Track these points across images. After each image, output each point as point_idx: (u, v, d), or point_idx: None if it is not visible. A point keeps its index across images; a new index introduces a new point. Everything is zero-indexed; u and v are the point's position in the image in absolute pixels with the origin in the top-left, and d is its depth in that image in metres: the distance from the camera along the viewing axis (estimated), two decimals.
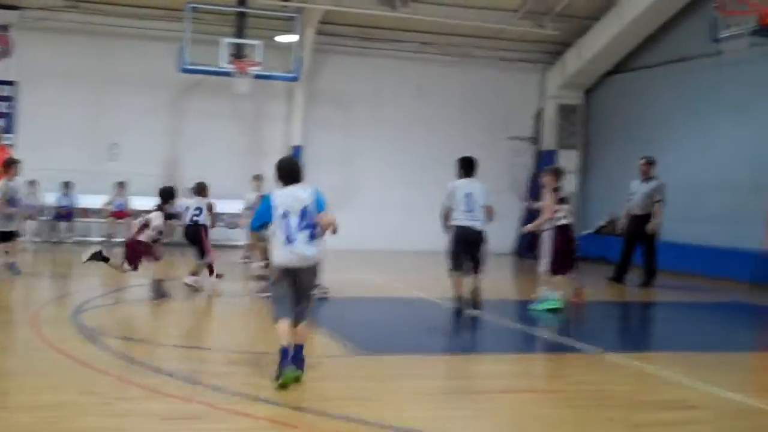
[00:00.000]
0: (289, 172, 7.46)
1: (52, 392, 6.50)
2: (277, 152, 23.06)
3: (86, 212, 21.70)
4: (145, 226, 12.29)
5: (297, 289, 7.18)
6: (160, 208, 12.67)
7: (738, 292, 16.37)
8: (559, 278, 12.24)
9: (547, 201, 12.18)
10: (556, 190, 12.26)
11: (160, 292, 12.20)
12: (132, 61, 21.74)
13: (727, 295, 15.83)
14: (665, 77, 21.51)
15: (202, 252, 13.35)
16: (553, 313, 11.90)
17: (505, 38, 23.95)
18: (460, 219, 11.60)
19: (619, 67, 23.32)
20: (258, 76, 19.53)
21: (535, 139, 24.83)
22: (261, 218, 7.36)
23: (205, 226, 13.62)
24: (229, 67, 19.14)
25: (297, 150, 22.75)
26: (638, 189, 16.37)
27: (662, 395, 7.39)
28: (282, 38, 21.02)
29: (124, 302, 12.20)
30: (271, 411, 6.17)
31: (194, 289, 12.96)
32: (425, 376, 7.68)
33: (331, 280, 12.77)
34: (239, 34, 19.62)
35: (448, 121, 24.06)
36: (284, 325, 7.11)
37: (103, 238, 21.20)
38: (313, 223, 7.19)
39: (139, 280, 13.11)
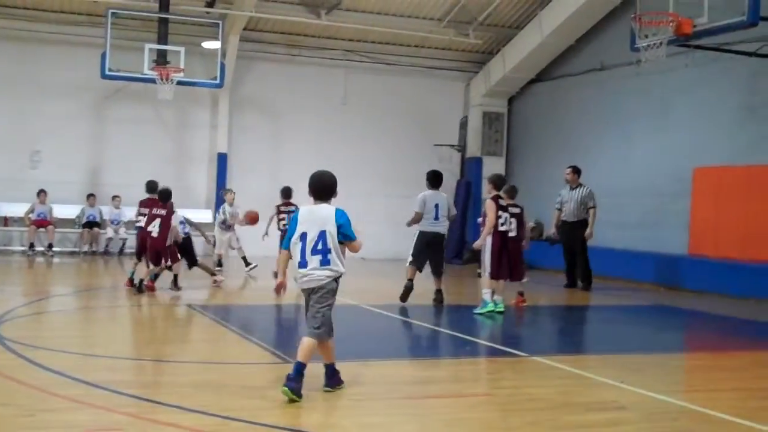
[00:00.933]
0: (316, 188, 7.07)
1: None
2: (203, 160, 22.92)
3: (7, 221, 21.20)
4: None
5: (309, 308, 7.03)
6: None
7: (659, 295, 16.71)
8: (499, 283, 12.65)
9: (488, 210, 12.54)
10: (497, 198, 12.65)
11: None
12: (53, 67, 21.35)
13: (648, 298, 16.13)
14: (587, 85, 21.88)
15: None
16: (491, 317, 12.18)
17: (429, 46, 24.15)
18: (427, 225, 13.35)
19: (542, 76, 23.65)
20: (181, 83, 19.32)
21: (460, 147, 25.01)
22: (290, 235, 7.03)
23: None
24: (151, 74, 18.91)
25: (222, 157, 22.59)
26: (570, 197, 16.78)
27: (591, 397, 7.46)
28: (206, 45, 20.86)
29: (46, 312, 11.91)
30: (195, 420, 6.06)
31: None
32: (356, 383, 7.64)
33: (258, 288, 12.75)
34: (162, 40, 19.40)
35: (374, 129, 24.13)
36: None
37: (24, 248, 20.76)
38: (328, 248, 6.88)
39: (62, 289, 12.91)
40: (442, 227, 13.62)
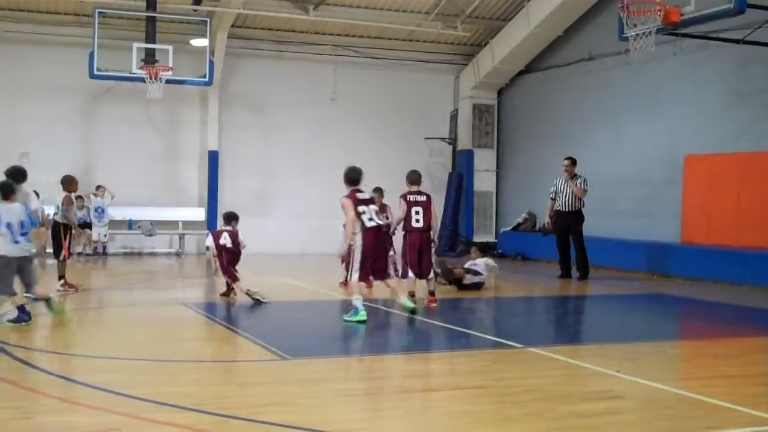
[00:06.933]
0: None
1: None
2: (194, 158, 22.88)
3: None
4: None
5: None
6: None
7: (652, 283, 16.74)
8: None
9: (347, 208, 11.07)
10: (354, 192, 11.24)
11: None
12: (41, 68, 21.28)
13: (642, 287, 16.16)
14: (576, 76, 21.90)
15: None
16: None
17: (418, 40, 24.15)
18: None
19: (531, 67, 23.66)
20: (170, 81, 19.28)
21: (451, 140, 25.00)
22: None
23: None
24: (140, 73, 18.86)
25: (213, 155, 22.55)
26: (564, 188, 16.80)
27: (588, 387, 7.49)
28: (194, 42, 20.81)
29: (40, 314, 11.84)
30: (193, 419, 6.05)
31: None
32: (350, 379, 7.66)
33: (250, 284, 12.76)
34: (150, 38, 19.34)
35: (364, 124, 24.13)
36: None
37: None
38: None
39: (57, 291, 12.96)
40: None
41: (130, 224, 21.76)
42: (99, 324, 11.60)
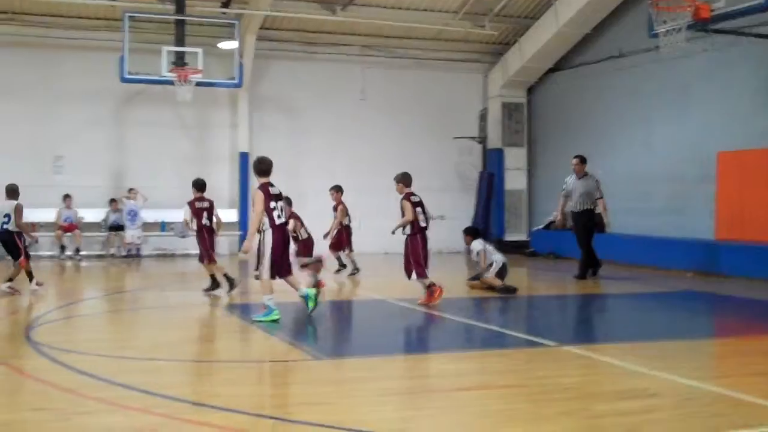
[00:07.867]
0: None
1: (4, 411, 6.37)
2: (225, 159, 23.00)
3: (34, 226, 21.31)
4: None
5: None
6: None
7: (687, 280, 16.61)
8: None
9: (257, 201, 10.88)
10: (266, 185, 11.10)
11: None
12: (72, 73, 21.53)
13: (676, 284, 16.05)
14: (606, 73, 21.78)
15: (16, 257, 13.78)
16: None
17: (446, 39, 24.13)
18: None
19: (561, 65, 23.57)
20: (200, 84, 19.38)
21: (481, 138, 24.96)
22: None
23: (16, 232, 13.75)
24: (170, 76, 18.96)
25: (244, 156, 22.65)
26: (575, 187, 16.51)
27: (623, 385, 7.43)
28: (222, 45, 20.91)
29: (77, 316, 11.99)
30: (229, 419, 6.10)
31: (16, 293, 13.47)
32: (384, 378, 7.66)
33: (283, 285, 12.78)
34: (179, 41, 19.46)
35: (393, 123, 24.15)
36: None
37: (51, 253, 20.93)
38: None
39: (93, 293, 13.08)
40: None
41: (163, 226, 21.92)
42: (134, 325, 11.69)
